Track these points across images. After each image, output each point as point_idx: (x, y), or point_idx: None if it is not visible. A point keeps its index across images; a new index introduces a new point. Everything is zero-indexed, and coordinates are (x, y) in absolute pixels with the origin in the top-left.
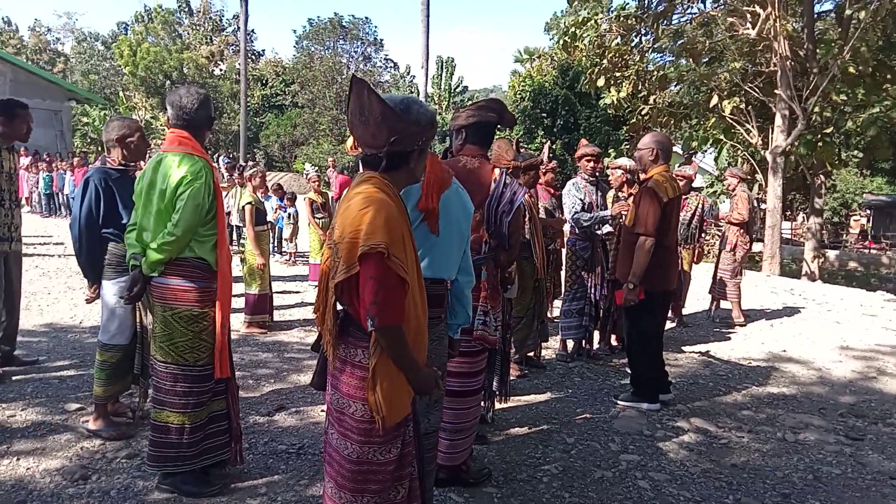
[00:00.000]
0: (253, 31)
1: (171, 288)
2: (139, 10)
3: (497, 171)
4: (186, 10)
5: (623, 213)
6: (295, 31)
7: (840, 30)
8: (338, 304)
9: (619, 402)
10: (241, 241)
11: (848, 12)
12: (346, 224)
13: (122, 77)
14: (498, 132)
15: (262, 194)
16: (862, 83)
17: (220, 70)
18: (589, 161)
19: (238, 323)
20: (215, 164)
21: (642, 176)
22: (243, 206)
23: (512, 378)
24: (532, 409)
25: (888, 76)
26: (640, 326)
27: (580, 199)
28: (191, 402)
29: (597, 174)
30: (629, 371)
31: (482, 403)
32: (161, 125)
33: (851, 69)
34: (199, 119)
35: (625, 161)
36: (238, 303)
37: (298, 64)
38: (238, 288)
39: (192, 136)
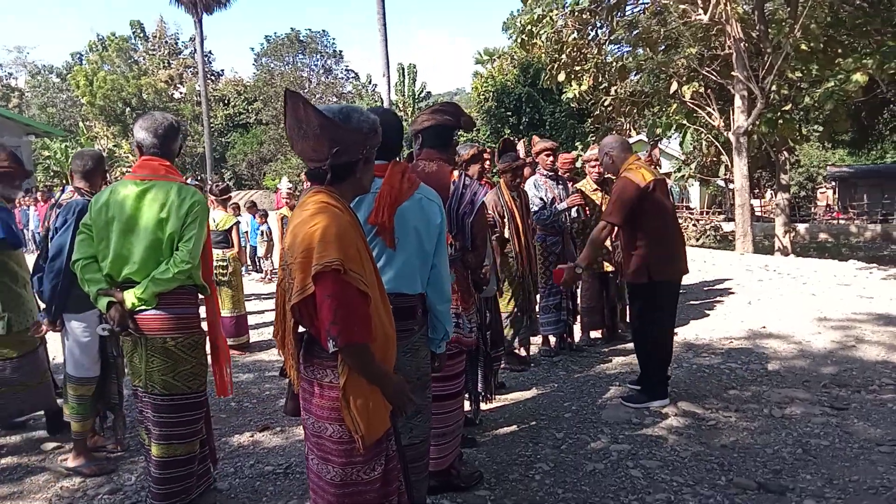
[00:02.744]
0: (210, 52)
1: (173, 318)
2: (92, 39)
3: (455, 172)
4: (141, 35)
5: (576, 205)
6: (253, 49)
7: (789, 9)
8: (299, 326)
9: (628, 404)
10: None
11: None
12: (296, 243)
13: (81, 107)
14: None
15: (234, 213)
16: (815, 59)
17: (181, 93)
18: (548, 156)
19: None
20: None
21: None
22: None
23: (502, 371)
24: (519, 406)
25: (839, 51)
26: (644, 320)
27: (540, 198)
28: (196, 429)
29: (556, 168)
30: (640, 368)
31: (469, 405)
32: (125, 153)
33: (804, 46)
34: (176, 148)
35: (591, 153)
36: None
37: (259, 81)
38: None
39: (171, 165)
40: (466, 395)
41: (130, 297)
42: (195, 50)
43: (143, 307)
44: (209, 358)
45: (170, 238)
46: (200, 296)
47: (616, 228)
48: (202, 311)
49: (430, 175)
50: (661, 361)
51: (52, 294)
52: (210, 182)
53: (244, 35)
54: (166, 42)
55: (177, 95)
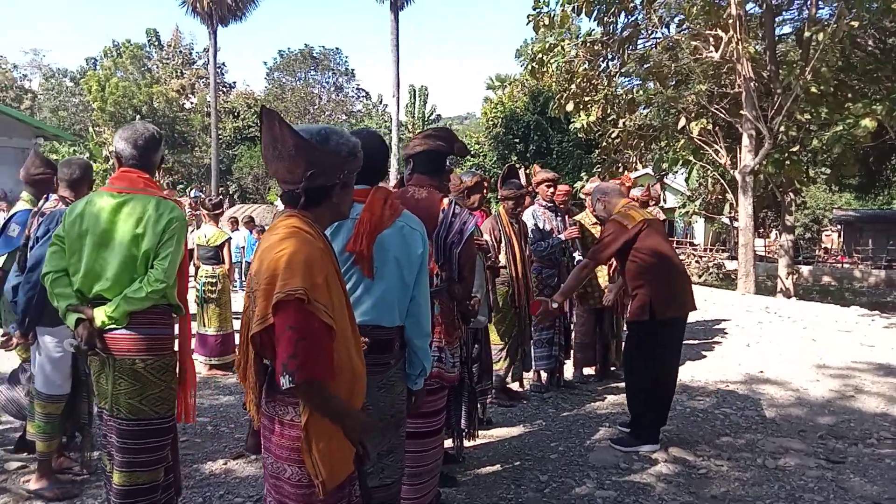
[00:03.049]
0: (224, 63)
1: (144, 339)
2: (108, 45)
3: (446, 200)
4: (156, 43)
5: (574, 237)
6: (266, 63)
7: (801, 51)
8: (262, 357)
9: (616, 447)
10: (200, 279)
11: (807, 34)
12: (262, 269)
13: (92, 113)
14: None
15: (231, 228)
16: (825, 102)
17: (191, 103)
18: (549, 187)
19: (199, 365)
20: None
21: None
22: (221, 245)
23: (494, 403)
24: (504, 444)
25: (849, 95)
26: (644, 357)
27: (538, 228)
28: (161, 456)
29: (554, 199)
30: (629, 408)
31: (451, 442)
32: None
33: (814, 89)
34: (157, 160)
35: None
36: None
37: (270, 95)
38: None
39: (151, 178)
40: (449, 431)
41: (101, 314)
42: (208, 61)
43: (114, 326)
44: (188, 379)
45: (145, 255)
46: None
47: (612, 265)
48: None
49: (419, 202)
50: (663, 399)
51: (26, 306)
52: (204, 196)
53: (258, 49)
54: (180, 52)
55: (188, 105)
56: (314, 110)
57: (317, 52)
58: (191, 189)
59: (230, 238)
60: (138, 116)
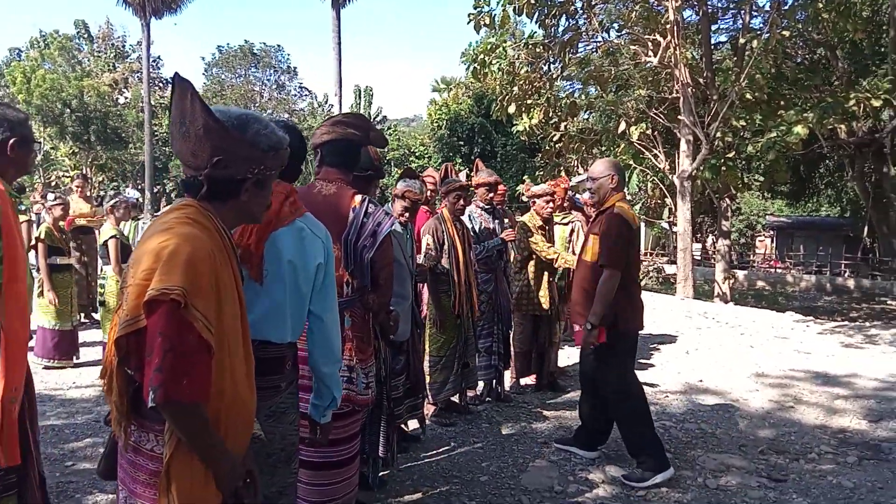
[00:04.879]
0: (159, 57)
1: None
2: (34, 35)
3: (358, 197)
4: (86, 36)
5: (511, 240)
6: (203, 59)
7: (736, 59)
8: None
9: (632, 483)
10: (102, 280)
11: (742, 41)
12: (139, 262)
13: (16, 105)
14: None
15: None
16: (759, 109)
17: (125, 98)
18: (489, 191)
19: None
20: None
21: (582, 207)
22: (105, 242)
23: (432, 422)
24: (431, 466)
25: (782, 103)
26: (617, 378)
27: (474, 230)
28: None
29: (493, 202)
30: (625, 442)
31: (367, 470)
32: (62, 155)
33: (748, 95)
34: None
35: (543, 187)
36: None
37: (209, 92)
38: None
39: None
40: (364, 459)
41: None
42: (142, 54)
43: None
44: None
45: None
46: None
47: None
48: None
49: (326, 198)
50: (641, 421)
51: None
52: (139, 195)
53: (195, 43)
54: (112, 44)
55: (121, 100)
56: (255, 108)
57: (257, 48)
58: (126, 186)
59: (114, 235)
60: (68, 111)
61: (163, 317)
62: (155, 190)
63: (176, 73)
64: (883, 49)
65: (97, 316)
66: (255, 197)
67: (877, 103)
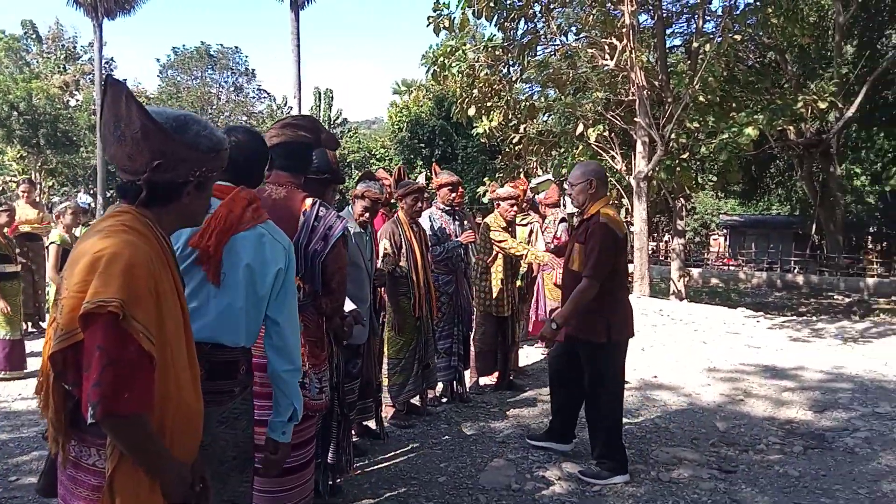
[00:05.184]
0: (112, 59)
1: None
2: None
3: (308, 200)
4: (34, 36)
5: (471, 241)
6: (158, 60)
7: (689, 62)
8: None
9: (588, 479)
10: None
11: (695, 45)
12: (73, 273)
13: None
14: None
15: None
16: (712, 111)
17: (76, 100)
18: (451, 191)
19: None
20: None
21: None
22: (47, 247)
23: (391, 425)
24: (390, 469)
25: (733, 105)
26: (606, 384)
27: (434, 231)
28: None
29: (454, 204)
30: (592, 443)
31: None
32: (9, 160)
33: (702, 98)
34: None
35: (508, 190)
36: None
37: (164, 94)
38: None
39: None
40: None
41: None
42: (94, 56)
43: None
44: None
45: None
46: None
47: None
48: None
49: (276, 202)
50: (616, 425)
51: None
52: (93, 201)
53: (150, 45)
54: (63, 46)
55: (73, 103)
56: (212, 111)
57: (214, 50)
58: (77, 192)
59: (56, 242)
60: (15, 114)
61: (100, 330)
62: (108, 195)
63: (108, 75)
64: (829, 53)
65: (45, 325)
66: (196, 199)
67: (823, 105)
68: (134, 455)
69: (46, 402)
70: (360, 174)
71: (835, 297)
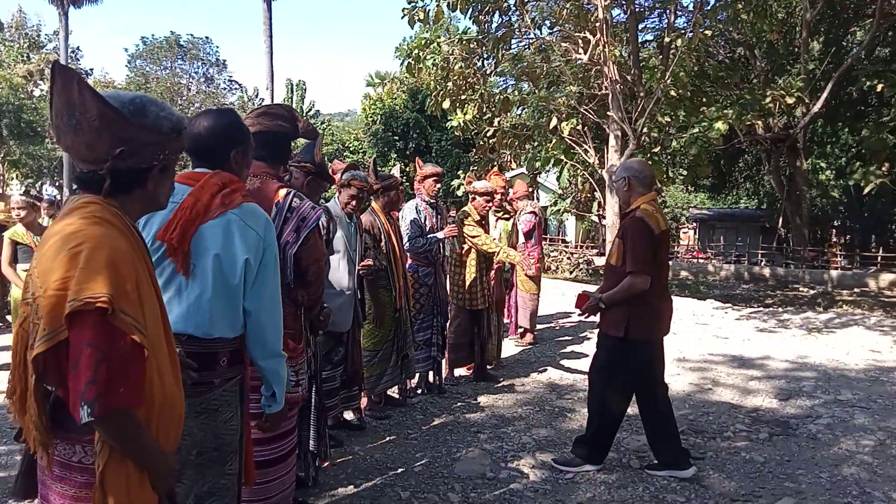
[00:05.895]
0: (78, 48)
1: None
2: None
3: (283, 191)
4: None
5: (453, 235)
6: (127, 50)
7: (661, 57)
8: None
9: (561, 467)
10: None
11: (667, 40)
12: (48, 270)
13: None
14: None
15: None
16: (683, 106)
17: (41, 91)
18: (436, 182)
19: None
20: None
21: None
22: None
23: (367, 416)
24: (366, 460)
25: (704, 100)
26: (609, 378)
27: (418, 224)
28: None
29: (436, 196)
30: (589, 426)
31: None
32: None
33: (673, 92)
34: None
35: (484, 184)
36: None
37: (132, 85)
38: None
39: None
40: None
41: None
42: (59, 45)
43: None
44: None
45: None
46: None
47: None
48: None
49: (249, 192)
50: (612, 422)
51: None
52: (59, 193)
53: (118, 34)
54: (26, 34)
55: (37, 93)
56: (182, 101)
57: (184, 40)
58: (42, 184)
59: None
60: None
61: (90, 327)
62: (74, 187)
63: (55, 62)
64: (797, 49)
65: (10, 318)
66: (160, 184)
67: (791, 101)
68: (126, 450)
69: (23, 406)
70: (332, 167)
71: (800, 289)
